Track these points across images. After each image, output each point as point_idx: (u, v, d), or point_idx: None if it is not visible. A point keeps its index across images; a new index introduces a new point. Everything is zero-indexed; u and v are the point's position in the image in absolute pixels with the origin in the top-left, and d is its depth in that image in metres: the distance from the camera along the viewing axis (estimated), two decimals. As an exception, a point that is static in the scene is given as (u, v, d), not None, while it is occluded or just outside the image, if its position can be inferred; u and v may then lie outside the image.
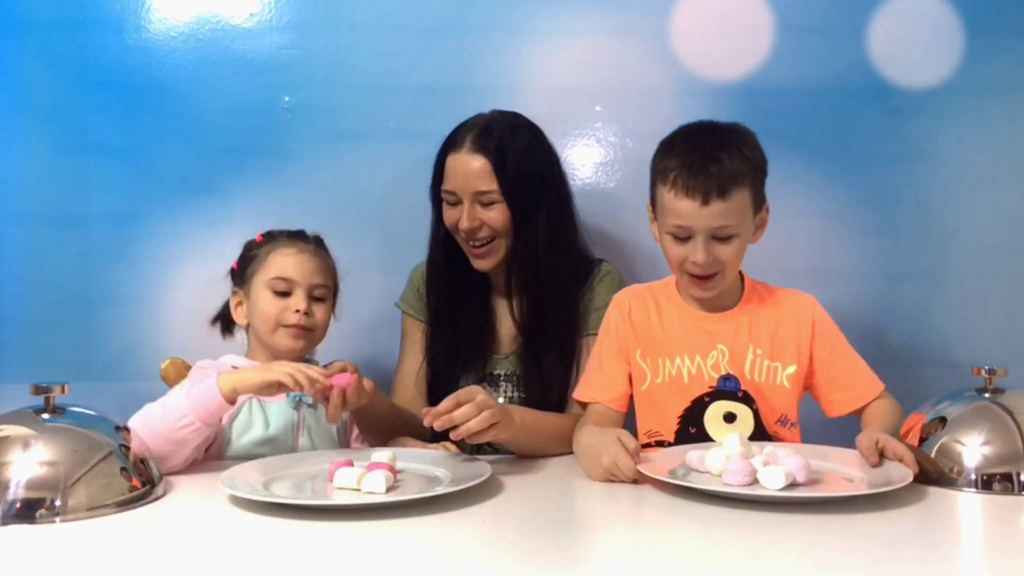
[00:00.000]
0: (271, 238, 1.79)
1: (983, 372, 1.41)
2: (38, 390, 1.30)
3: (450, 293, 1.95)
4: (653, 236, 1.72)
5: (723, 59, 2.24)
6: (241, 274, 1.78)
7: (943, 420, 1.43)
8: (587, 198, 2.24)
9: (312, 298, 1.73)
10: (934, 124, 2.25)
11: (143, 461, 1.33)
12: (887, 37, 2.23)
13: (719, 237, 1.59)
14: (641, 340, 1.71)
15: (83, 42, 2.20)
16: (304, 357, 1.75)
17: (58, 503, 1.21)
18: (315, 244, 1.79)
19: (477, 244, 1.87)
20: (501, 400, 1.84)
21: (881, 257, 2.26)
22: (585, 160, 2.26)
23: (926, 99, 2.24)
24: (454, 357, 1.93)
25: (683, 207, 1.57)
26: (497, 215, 1.85)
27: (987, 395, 1.42)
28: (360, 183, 2.22)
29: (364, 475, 1.33)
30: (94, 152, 2.20)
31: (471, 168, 1.83)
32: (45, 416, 1.29)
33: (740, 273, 1.73)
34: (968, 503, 1.32)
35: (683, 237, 1.61)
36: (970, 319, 2.26)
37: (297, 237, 1.79)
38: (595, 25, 2.24)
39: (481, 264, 1.90)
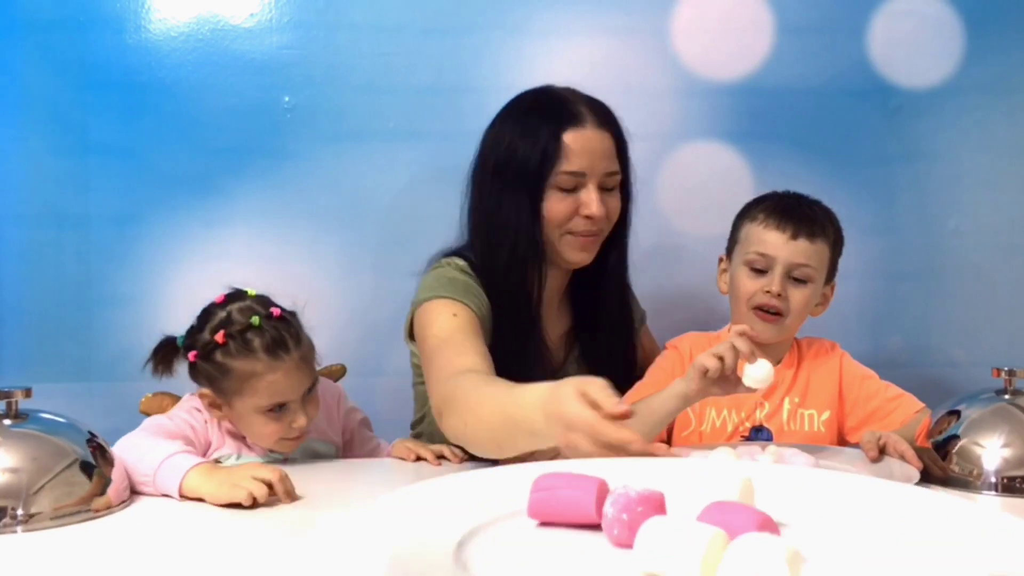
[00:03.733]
0: (244, 346, 1.43)
1: (1002, 373, 1.34)
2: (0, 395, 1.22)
3: (526, 298, 1.60)
4: (718, 287, 1.71)
5: (723, 59, 2.17)
6: (211, 380, 1.45)
7: (956, 413, 1.36)
8: (587, 198, 2.18)
9: (305, 398, 1.49)
10: (934, 124, 2.18)
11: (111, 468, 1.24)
12: (887, 37, 2.16)
13: (795, 277, 1.59)
14: None
15: (83, 42, 2.11)
16: None
17: (20, 512, 1.13)
18: (293, 343, 1.46)
19: (587, 235, 1.58)
20: None
21: (881, 257, 2.19)
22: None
23: (926, 99, 2.17)
24: (510, 371, 1.45)
25: (770, 237, 1.59)
26: (616, 202, 1.61)
27: (1006, 397, 1.34)
28: (360, 183, 2.14)
29: None
30: (94, 152, 2.11)
31: (602, 146, 1.57)
32: (7, 422, 1.21)
33: None
34: (988, 506, 1.24)
35: (761, 269, 1.60)
36: (970, 319, 2.19)
37: (280, 352, 1.44)
38: (595, 25, 2.16)
39: (583, 257, 1.60)
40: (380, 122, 2.14)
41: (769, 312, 1.60)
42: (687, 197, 2.17)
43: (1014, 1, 2.17)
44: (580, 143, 1.55)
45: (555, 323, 1.72)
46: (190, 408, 1.50)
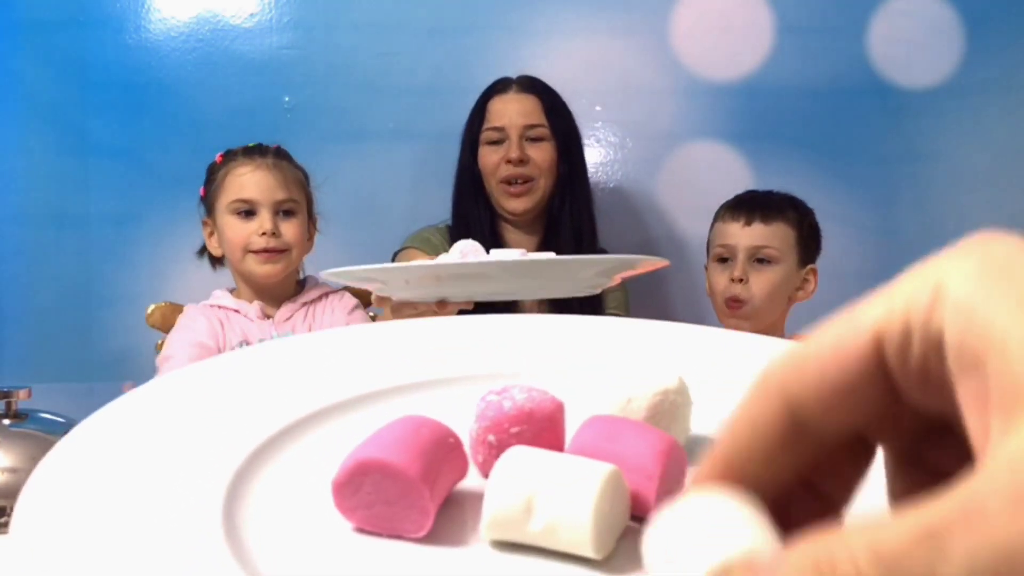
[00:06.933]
0: (229, 157, 1.62)
1: (1003, 373, 1.33)
2: None
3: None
4: (706, 291, 1.74)
5: (723, 59, 2.16)
6: (207, 201, 1.63)
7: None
8: (587, 198, 2.17)
9: (281, 213, 1.57)
10: (934, 124, 2.16)
11: None
12: (887, 37, 2.14)
13: (759, 259, 1.62)
14: None
15: (83, 42, 2.11)
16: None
17: (19, 511, 1.12)
18: (275, 156, 1.61)
19: (517, 182, 1.81)
20: None
21: (881, 257, 2.17)
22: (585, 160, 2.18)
23: (926, 99, 2.15)
24: None
25: (729, 229, 1.65)
26: (543, 153, 1.82)
27: (1007, 397, 1.34)
28: (360, 183, 2.14)
29: None
30: (94, 152, 2.10)
31: (521, 105, 1.83)
32: (7, 422, 1.20)
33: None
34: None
35: (726, 259, 1.65)
36: (970, 319, 2.18)
37: (254, 152, 1.60)
38: (595, 25, 2.15)
39: (516, 204, 1.83)
40: (380, 122, 2.13)
41: (737, 302, 1.63)
42: (687, 197, 2.16)
43: (1014, 1, 2.15)
44: (500, 106, 1.85)
45: None
46: (193, 315, 1.58)
